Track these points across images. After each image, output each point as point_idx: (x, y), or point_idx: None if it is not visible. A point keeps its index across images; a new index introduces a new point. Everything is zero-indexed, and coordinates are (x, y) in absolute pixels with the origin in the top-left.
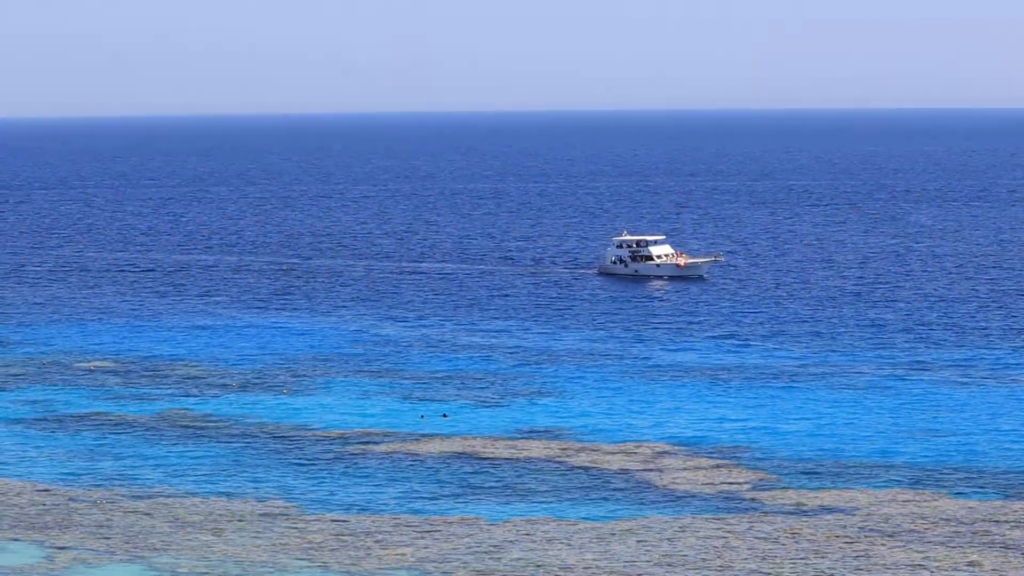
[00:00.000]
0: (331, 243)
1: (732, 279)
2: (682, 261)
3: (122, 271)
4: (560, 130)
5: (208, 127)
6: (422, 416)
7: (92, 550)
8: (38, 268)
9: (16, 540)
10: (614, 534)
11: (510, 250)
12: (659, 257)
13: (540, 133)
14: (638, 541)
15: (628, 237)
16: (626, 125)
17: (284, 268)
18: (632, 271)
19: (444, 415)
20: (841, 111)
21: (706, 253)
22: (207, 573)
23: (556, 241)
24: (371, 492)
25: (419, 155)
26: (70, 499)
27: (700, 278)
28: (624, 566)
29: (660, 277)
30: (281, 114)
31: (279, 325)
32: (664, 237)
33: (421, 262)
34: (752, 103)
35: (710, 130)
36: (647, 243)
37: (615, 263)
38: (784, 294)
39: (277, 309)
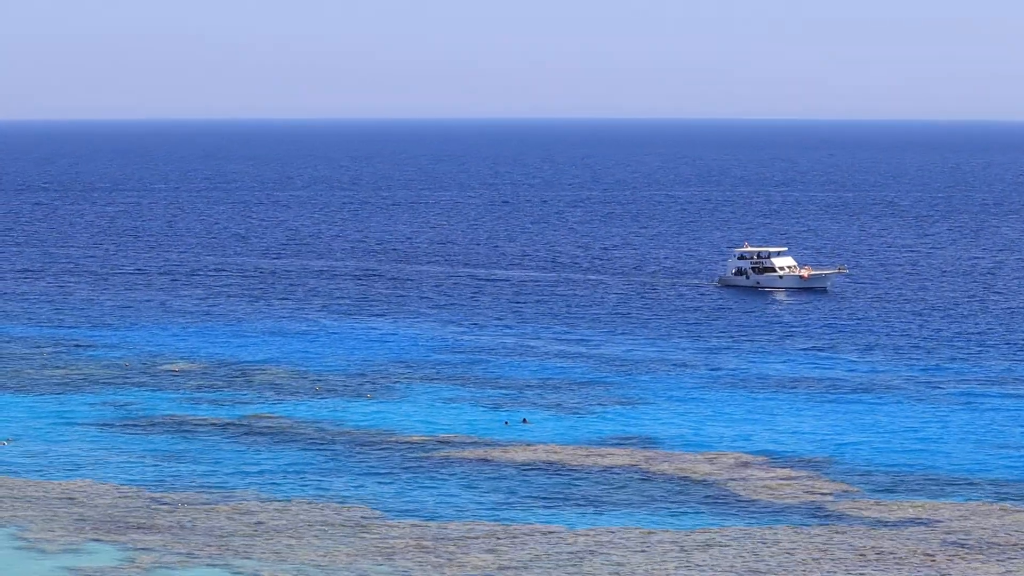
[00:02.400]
0: (420, 249)
1: (855, 291)
2: (806, 273)
3: (208, 274)
4: (623, 138)
5: (258, 130)
6: (506, 423)
7: (173, 553)
8: (123, 270)
9: (98, 541)
10: (695, 544)
11: (625, 260)
12: (782, 269)
13: (609, 141)
14: (719, 551)
15: (750, 248)
16: (696, 134)
17: (365, 274)
18: (754, 283)
19: (525, 420)
20: (913, 121)
21: (830, 265)
22: None
23: (673, 252)
24: (453, 498)
25: (505, 161)
26: (152, 501)
27: (824, 290)
28: (704, 575)
29: (783, 289)
30: (353, 118)
31: (365, 330)
32: (786, 249)
33: (512, 269)
34: (821, 113)
35: (782, 140)
36: (769, 254)
37: (737, 275)
38: (895, 307)
39: (363, 314)
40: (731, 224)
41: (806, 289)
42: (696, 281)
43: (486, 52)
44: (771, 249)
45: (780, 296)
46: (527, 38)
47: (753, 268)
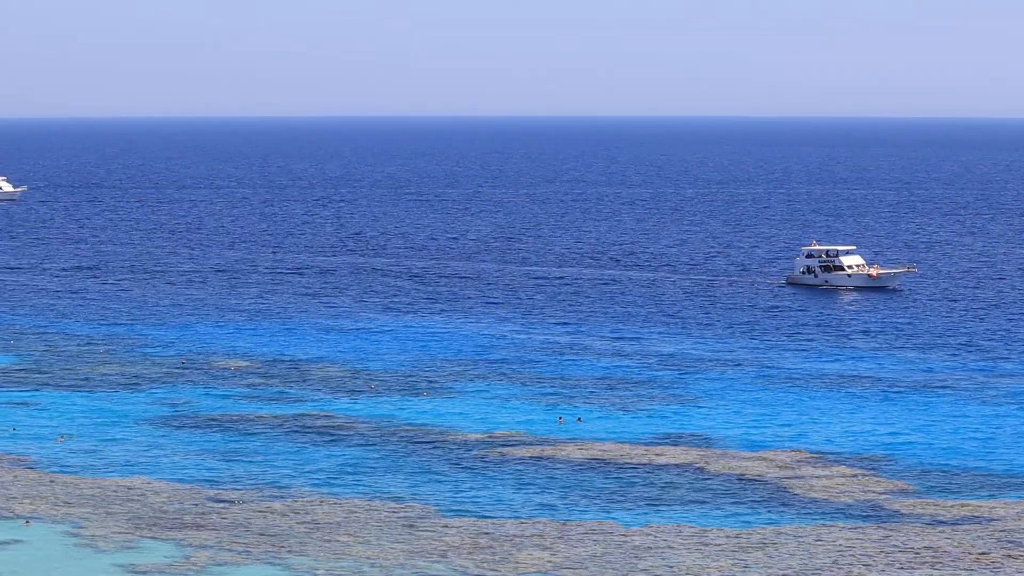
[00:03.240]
0: (475, 246)
1: (922, 290)
2: (874, 271)
3: (264, 272)
4: (673, 135)
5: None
6: (560, 420)
7: (229, 550)
8: (181, 268)
9: (154, 539)
10: (750, 543)
11: (687, 258)
12: (850, 267)
13: (663, 138)
14: (774, 550)
15: (818, 247)
16: (752, 131)
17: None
18: (822, 281)
19: (579, 419)
20: (961, 120)
21: (899, 263)
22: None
23: (741, 249)
24: (508, 496)
25: (565, 159)
26: (207, 499)
27: (893, 289)
28: (759, 574)
29: (851, 288)
30: (403, 116)
31: (420, 328)
32: (855, 247)
33: (568, 267)
34: (873, 111)
35: (840, 137)
36: (838, 253)
37: (805, 273)
38: (959, 306)
39: (418, 312)
40: (798, 222)
41: (874, 288)
42: (764, 280)
43: (522, 52)
44: (839, 247)
45: (847, 295)
46: (579, 38)
47: (821, 266)
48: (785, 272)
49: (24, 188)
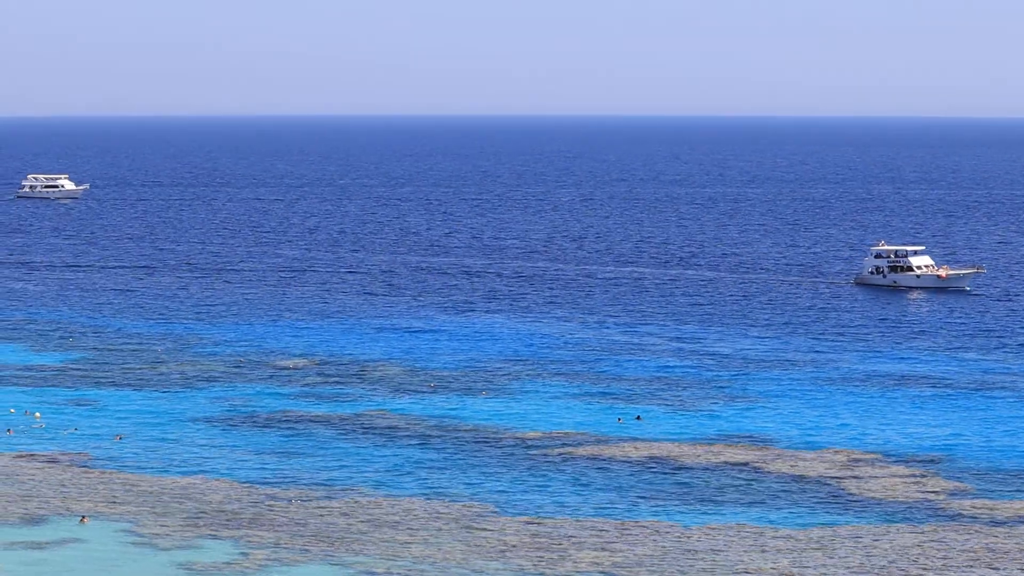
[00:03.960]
0: (533, 246)
1: (991, 291)
2: (943, 272)
3: (324, 271)
4: (734, 135)
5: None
6: (619, 419)
7: (287, 549)
8: (239, 266)
9: (212, 537)
10: (808, 542)
11: (752, 257)
12: (919, 268)
13: (724, 138)
14: (832, 550)
15: (886, 247)
16: (808, 131)
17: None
18: (891, 282)
19: (639, 417)
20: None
21: (968, 264)
22: (402, 574)
23: (809, 249)
24: (566, 495)
25: (632, 158)
26: (266, 497)
27: (963, 291)
28: (817, 573)
29: (920, 288)
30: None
31: (479, 327)
32: (923, 248)
33: (627, 266)
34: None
35: (898, 138)
36: (907, 253)
37: (873, 273)
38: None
39: (477, 311)
40: (867, 222)
41: (943, 289)
42: (832, 280)
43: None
44: (908, 248)
45: (916, 295)
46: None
47: (890, 267)
48: (853, 272)
49: (86, 186)
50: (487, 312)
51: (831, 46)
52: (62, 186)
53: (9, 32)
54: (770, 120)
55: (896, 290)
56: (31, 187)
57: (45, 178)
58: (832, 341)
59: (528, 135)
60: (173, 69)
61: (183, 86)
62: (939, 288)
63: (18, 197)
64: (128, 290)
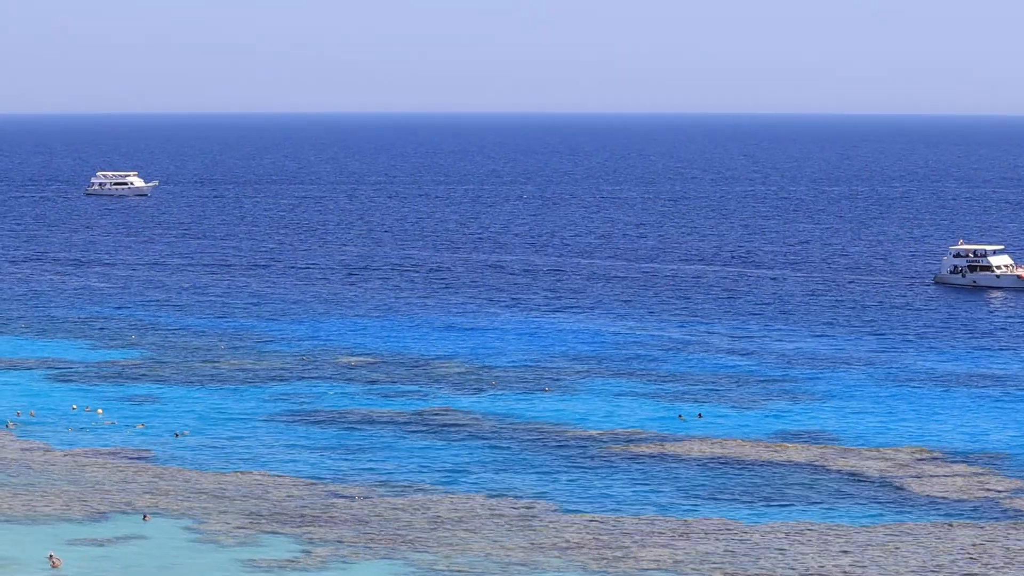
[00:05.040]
0: (595, 244)
1: None
2: (1023, 272)
3: (386, 268)
4: (800, 133)
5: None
6: (681, 417)
7: (349, 546)
8: (303, 263)
9: (274, 534)
10: (871, 540)
11: (824, 255)
12: (998, 268)
13: (793, 136)
14: (894, 547)
15: (966, 246)
16: (875, 129)
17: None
18: (970, 281)
19: (700, 415)
20: None
21: None
22: (464, 571)
23: (888, 248)
24: (629, 493)
25: (696, 157)
26: (328, 494)
27: None
28: (880, 572)
29: (999, 288)
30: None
31: (541, 325)
32: (1003, 247)
33: (690, 264)
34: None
35: (974, 136)
36: (986, 252)
37: (952, 273)
38: None
39: (539, 309)
40: (946, 221)
41: (1023, 289)
42: (912, 279)
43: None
44: (988, 247)
45: (995, 295)
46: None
47: (969, 266)
48: (932, 271)
49: (155, 183)
50: (549, 310)
51: (908, 42)
52: (131, 183)
53: (79, 34)
54: (847, 118)
55: (975, 290)
56: (100, 184)
57: (114, 175)
58: (901, 340)
59: (594, 133)
60: (255, 69)
61: (261, 85)
62: (1019, 288)
63: (87, 194)
64: (192, 287)
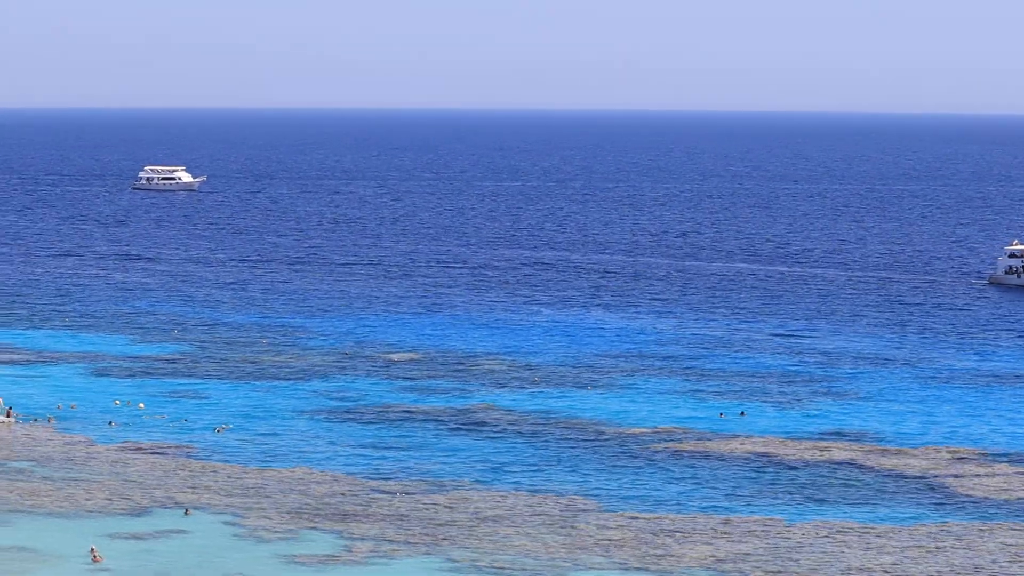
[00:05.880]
0: (638, 242)
1: None
2: None
3: (431, 264)
4: (841, 132)
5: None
6: (722, 415)
7: (390, 542)
8: (344, 260)
9: (315, 529)
10: (912, 539)
11: (874, 255)
12: None
13: (821, 135)
14: (935, 546)
15: (1021, 246)
16: (910, 128)
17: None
18: None
19: (742, 413)
20: None
21: None
22: (505, 569)
23: (943, 248)
24: (671, 490)
25: (720, 155)
26: (369, 490)
27: None
28: (921, 571)
29: None
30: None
31: (583, 322)
32: None
33: (734, 262)
34: None
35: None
36: None
37: (1008, 273)
38: None
39: (581, 306)
40: (1002, 221)
41: None
42: (968, 280)
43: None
44: None
45: None
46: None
47: None
48: (985, 272)
49: (203, 178)
50: (592, 307)
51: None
52: (179, 178)
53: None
54: (907, 118)
55: None
56: (148, 179)
57: (163, 170)
58: (948, 339)
59: (638, 131)
60: (305, 63)
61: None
62: None
63: (134, 189)
64: (235, 283)
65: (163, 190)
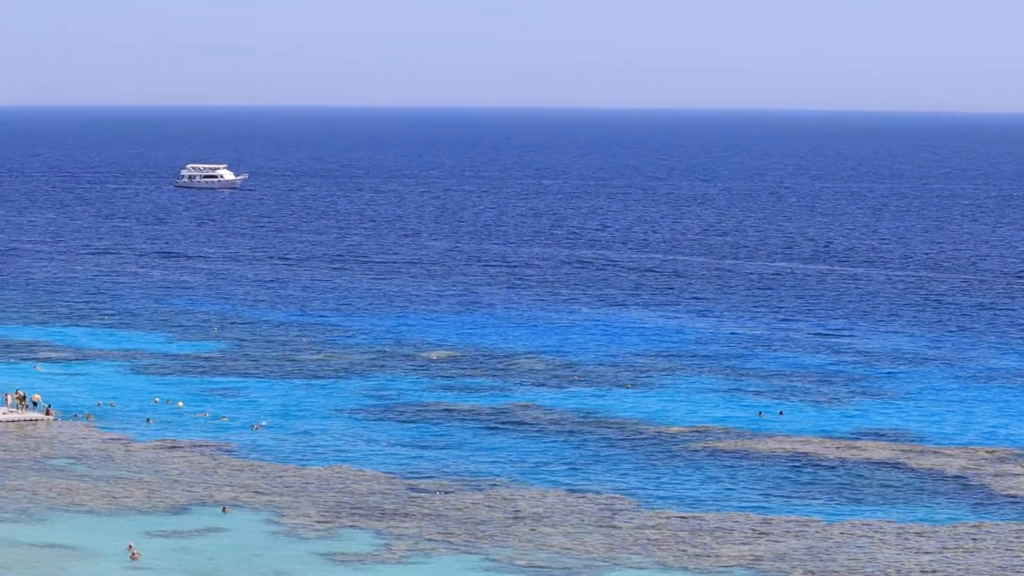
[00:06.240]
0: (680, 240)
1: None
2: None
3: (470, 263)
4: (868, 131)
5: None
6: (761, 414)
7: (429, 540)
8: (383, 258)
9: (354, 527)
10: (950, 538)
11: (920, 254)
12: None
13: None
14: (974, 546)
15: None
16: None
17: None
18: None
19: (781, 412)
20: None
21: None
22: (544, 567)
23: (980, 249)
24: (709, 489)
25: (762, 153)
26: (409, 488)
27: None
28: (959, 571)
29: None
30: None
31: (623, 320)
32: None
33: (775, 261)
34: None
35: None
36: None
37: None
38: None
39: (621, 304)
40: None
41: None
42: (1004, 279)
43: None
44: None
45: None
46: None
47: None
48: None
49: (244, 176)
50: (631, 305)
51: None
52: (221, 176)
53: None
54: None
55: None
56: (190, 177)
57: (205, 167)
58: (988, 338)
59: (678, 130)
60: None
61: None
62: None
63: (176, 187)
64: (275, 281)
65: (205, 188)
